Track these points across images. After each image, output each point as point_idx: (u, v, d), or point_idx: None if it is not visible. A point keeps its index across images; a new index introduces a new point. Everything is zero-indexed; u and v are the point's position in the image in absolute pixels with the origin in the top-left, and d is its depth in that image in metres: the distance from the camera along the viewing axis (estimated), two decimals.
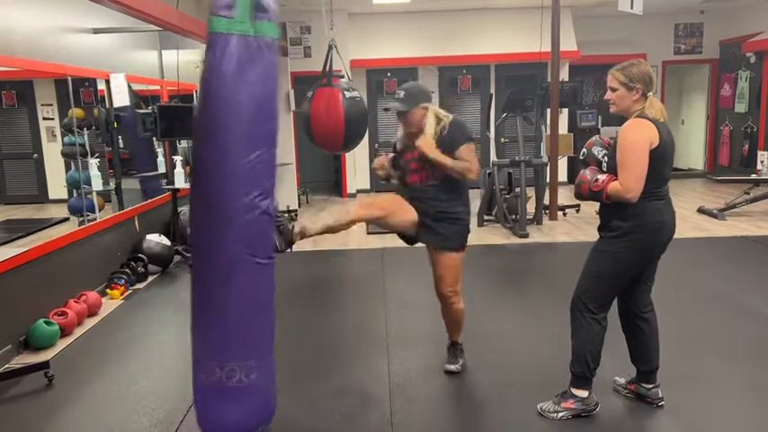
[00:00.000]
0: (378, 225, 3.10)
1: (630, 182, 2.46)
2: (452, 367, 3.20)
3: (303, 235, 2.76)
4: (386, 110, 3.06)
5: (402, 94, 2.93)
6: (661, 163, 2.51)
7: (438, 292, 3.06)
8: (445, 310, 3.13)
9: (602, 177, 2.56)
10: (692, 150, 11.16)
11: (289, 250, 3.11)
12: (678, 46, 10.54)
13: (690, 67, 10.89)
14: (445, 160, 2.85)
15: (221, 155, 2.12)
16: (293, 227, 2.72)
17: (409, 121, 2.93)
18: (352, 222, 2.91)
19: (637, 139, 2.47)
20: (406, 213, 2.96)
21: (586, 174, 2.63)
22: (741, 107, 9.80)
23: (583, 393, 2.69)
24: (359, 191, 9.67)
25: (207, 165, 2.14)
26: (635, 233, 2.54)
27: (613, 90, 2.56)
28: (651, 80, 2.54)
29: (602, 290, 2.64)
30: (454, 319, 3.15)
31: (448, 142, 2.88)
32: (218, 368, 2.20)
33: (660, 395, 2.76)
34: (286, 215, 3.04)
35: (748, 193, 7.28)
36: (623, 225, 2.54)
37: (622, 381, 2.91)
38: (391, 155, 3.13)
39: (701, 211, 7.39)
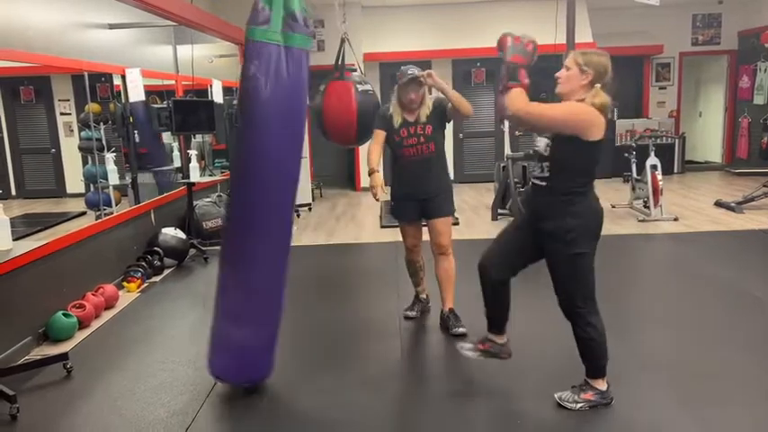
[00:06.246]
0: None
1: (535, 108, 2.51)
2: (462, 329, 3.53)
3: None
4: (408, 79, 3.45)
5: (416, 70, 3.48)
6: (599, 157, 2.57)
7: (438, 246, 3.63)
8: (442, 265, 3.65)
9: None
10: (709, 143, 11.02)
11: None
12: (696, 37, 10.39)
13: (707, 59, 10.73)
14: (450, 89, 3.44)
15: (262, 147, 2.66)
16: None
17: (418, 94, 3.48)
18: (414, 263, 3.85)
19: (584, 109, 2.49)
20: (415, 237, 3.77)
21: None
22: (760, 99, 9.65)
23: (602, 386, 2.70)
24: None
25: (251, 155, 2.71)
26: (585, 222, 2.57)
27: (567, 69, 2.57)
28: (605, 72, 2.55)
29: (589, 285, 2.63)
30: (449, 273, 3.66)
31: (439, 109, 3.54)
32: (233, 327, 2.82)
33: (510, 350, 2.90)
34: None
35: (767, 186, 7.19)
36: (574, 222, 2.55)
37: (469, 344, 2.98)
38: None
39: (718, 204, 7.30)
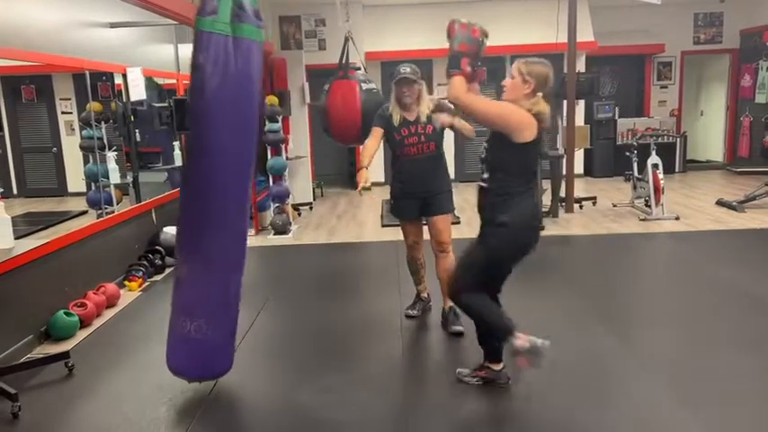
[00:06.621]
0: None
1: (471, 99, 2.62)
2: (460, 328, 3.55)
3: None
4: (399, 79, 3.52)
5: (408, 68, 3.55)
6: (534, 156, 2.67)
7: (438, 244, 3.64)
8: (442, 264, 3.63)
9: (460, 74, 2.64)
10: (711, 142, 11.00)
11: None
12: (697, 36, 10.37)
13: (709, 58, 10.71)
14: (458, 121, 3.44)
15: (207, 141, 2.60)
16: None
17: (413, 91, 3.53)
18: (415, 260, 3.86)
19: (516, 111, 2.58)
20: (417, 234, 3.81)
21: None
22: (762, 98, 9.63)
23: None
24: (373, 183, 9.64)
25: (197, 147, 2.67)
26: (512, 221, 2.62)
27: (512, 78, 2.67)
28: (546, 82, 2.64)
29: (476, 280, 2.71)
30: (450, 271, 3.53)
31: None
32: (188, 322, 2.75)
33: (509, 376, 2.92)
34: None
35: None
36: (504, 218, 2.62)
37: (466, 371, 3.01)
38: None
39: (719, 203, 7.30)
